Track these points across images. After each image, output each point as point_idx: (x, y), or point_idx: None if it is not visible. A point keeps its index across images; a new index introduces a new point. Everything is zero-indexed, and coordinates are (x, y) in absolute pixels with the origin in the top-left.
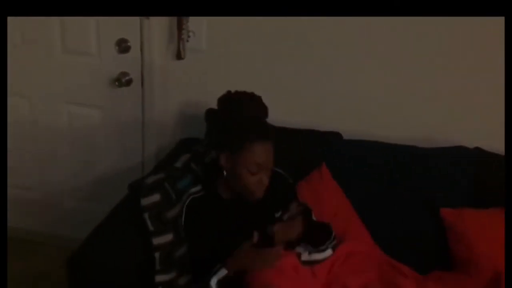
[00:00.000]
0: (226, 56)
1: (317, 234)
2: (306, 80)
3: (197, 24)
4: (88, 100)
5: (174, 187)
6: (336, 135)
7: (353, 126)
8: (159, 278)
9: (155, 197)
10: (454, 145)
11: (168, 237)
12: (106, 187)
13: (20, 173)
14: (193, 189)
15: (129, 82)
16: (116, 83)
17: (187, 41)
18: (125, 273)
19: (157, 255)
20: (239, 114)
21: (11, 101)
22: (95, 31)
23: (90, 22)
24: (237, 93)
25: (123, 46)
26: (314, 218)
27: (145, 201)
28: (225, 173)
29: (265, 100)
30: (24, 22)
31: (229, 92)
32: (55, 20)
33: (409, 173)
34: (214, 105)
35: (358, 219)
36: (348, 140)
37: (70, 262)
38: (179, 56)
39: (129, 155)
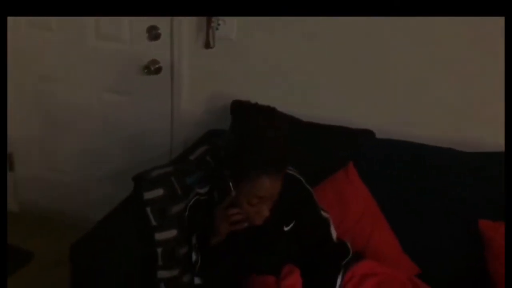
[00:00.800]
0: (255, 46)
1: (332, 252)
2: (340, 75)
3: None
4: (119, 86)
5: (182, 182)
6: (368, 133)
7: (388, 125)
8: (161, 274)
9: (158, 192)
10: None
11: (171, 233)
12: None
13: (57, 157)
14: (201, 190)
15: (158, 70)
16: (145, 70)
17: (217, 29)
18: (127, 266)
19: (159, 250)
20: (247, 138)
21: (48, 85)
22: (128, 17)
23: None
24: (252, 108)
25: (153, 33)
26: (332, 229)
27: (148, 195)
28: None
29: (295, 93)
30: None
31: (246, 103)
32: None
33: (445, 178)
34: (241, 96)
35: (385, 224)
36: (381, 139)
37: (72, 250)
38: (207, 45)
39: (157, 143)
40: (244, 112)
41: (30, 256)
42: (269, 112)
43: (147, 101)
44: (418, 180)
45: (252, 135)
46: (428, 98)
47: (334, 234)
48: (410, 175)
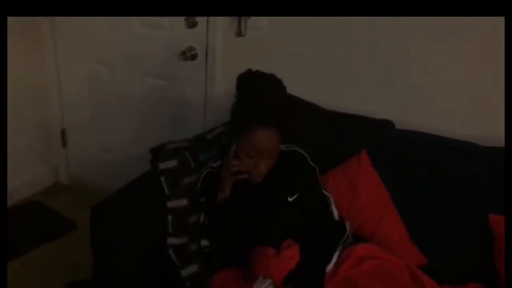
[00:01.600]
0: (285, 36)
1: (330, 230)
2: (367, 67)
3: None
4: (158, 71)
5: (196, 157)
6: (388, 123)
7: (411, 117)
8: (171, 240)
9: (172, 163)
10: None
11: (182, 202)
12: None
13: (101, 135)
14: (213, 164)
15: (194, 57)
16: (182, 56)
17: (248, 18)
18: (141, 229)
19: (170, 217)
20: (247, 96)
21: (98, 69)
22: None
23: None
24: (253, 72)
25: (190, 21)
26: (334, 208)
27: (163, 165)
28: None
29: (321, 83)
30: None
31: (248, 70)
32: None
33: (460, 171)
34: None
35: (395, 213)
36: (400, 129)
37: (92, 212)
38: (239, 33)
39: (192, 125)
40: (243, 78)
41: (73, 226)
42: (265, 75)
43: (183, 86)
44: (432, 172)
45: (248, 94)
46: (453, 91)
47: (335, 213)
48: (425, 167)
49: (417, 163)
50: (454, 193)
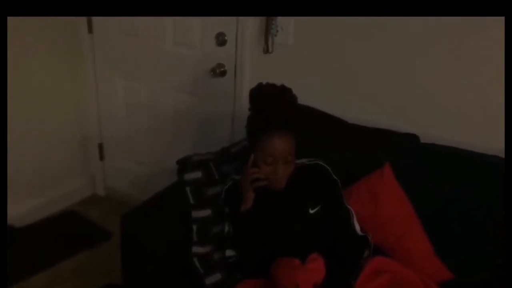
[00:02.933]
0: (310, 52)
1: (355, 246)
2: (392, 81)
3: (285, 20)
4: (190, 87)
5: (220, 169)
6: (413, 137)
7: (437, 131)
8: (195, 249)
9: (197, 174)
10: None
11: (206, 212)
12: None
13: (135, 149)
14: (236, 176)
15: (223, 73)
16: (211, 73)
17: (275, 35)
18: (168, 238)
19: (194, 227)
20: (259, 106)
21: (132, 85)
22: (200, 25)
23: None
24: (264, 85)
25: (220, 39)
26: (355, 222)
27: (188, 176)
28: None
29: (347, 97)
30: (143, 19)
31: (259, 84)
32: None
33: (485, 185)
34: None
35: (419, 227)
36: (425, 143)
37: (122, 220)
38: (266, 50)
39: (220, 139)
40: (254, 91)
41: (108, 235)
42: (275, 86)
43: (213, 101)
44: (457, 185)
45: (260, 104)
46: (478, 105)
47: (357, 227)
48: (450, 181)
49: (441, 176)
50: (479, 207)
